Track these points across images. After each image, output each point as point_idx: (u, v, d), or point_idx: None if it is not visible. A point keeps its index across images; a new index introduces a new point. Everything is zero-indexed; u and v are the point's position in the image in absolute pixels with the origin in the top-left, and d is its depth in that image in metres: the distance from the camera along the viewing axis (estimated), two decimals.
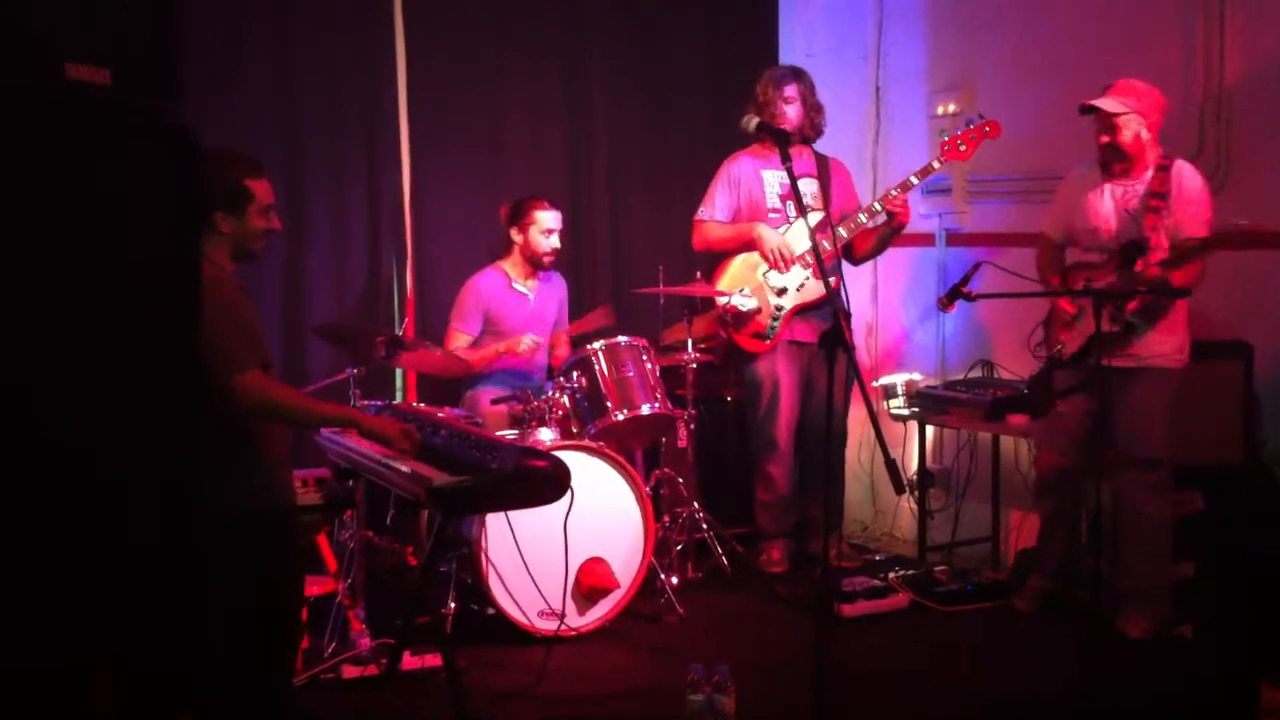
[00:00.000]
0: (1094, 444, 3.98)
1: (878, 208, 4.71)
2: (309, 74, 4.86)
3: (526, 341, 4.71)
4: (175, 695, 1.95)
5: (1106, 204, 4.05)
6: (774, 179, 4.89)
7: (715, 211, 4.96)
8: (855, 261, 5.03)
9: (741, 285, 4.86)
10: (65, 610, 1.79)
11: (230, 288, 2.84)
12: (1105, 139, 3.97)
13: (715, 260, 5.01)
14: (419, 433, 3.16)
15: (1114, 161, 4.01)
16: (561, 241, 4.89)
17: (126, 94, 1.85)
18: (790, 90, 4.82)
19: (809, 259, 4.75)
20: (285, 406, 2.90)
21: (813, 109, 4.89)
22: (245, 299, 2.90)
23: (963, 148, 4.63)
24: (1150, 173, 3.98)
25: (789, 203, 4.84)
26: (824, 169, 4.92)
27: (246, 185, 2.90)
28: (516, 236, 4.85)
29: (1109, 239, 4.02)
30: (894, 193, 4.66)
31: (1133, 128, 3.92)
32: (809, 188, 4.86)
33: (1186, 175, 3.95)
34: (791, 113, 4.81)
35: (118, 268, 1.87)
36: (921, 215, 5.46)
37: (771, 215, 4.89)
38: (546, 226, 4.82)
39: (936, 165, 4.68)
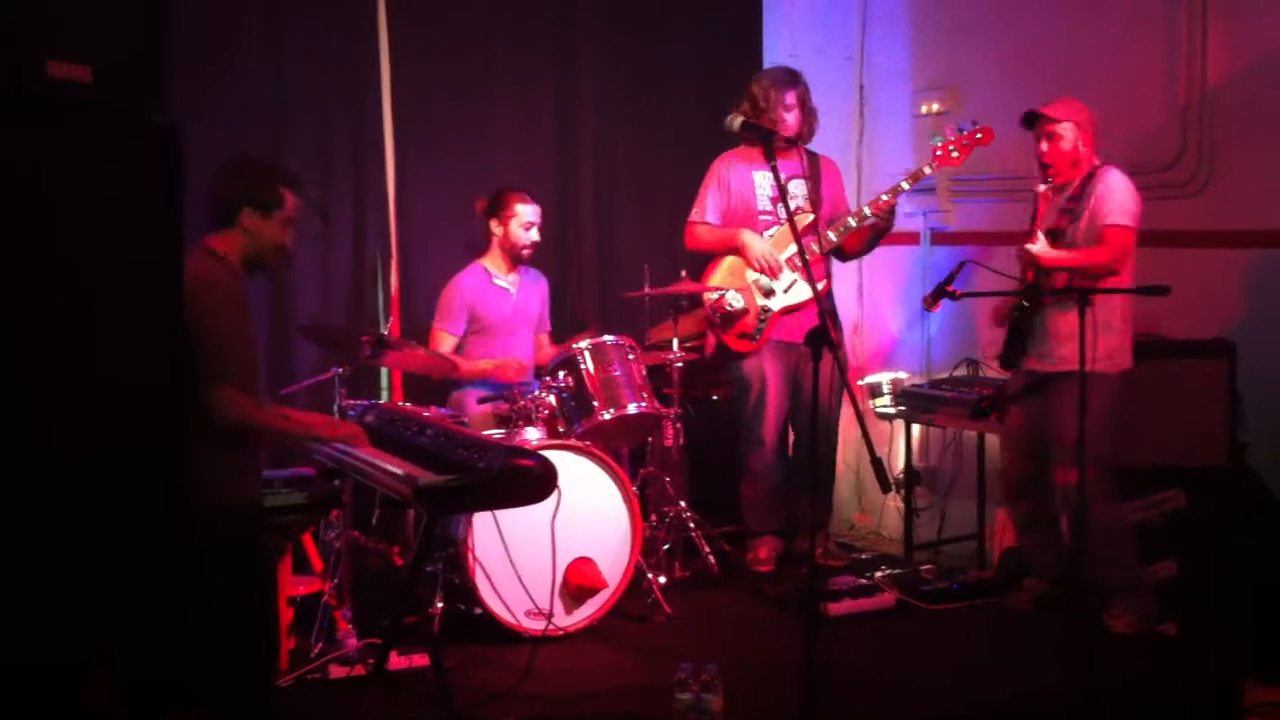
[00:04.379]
0: (1042, 448, 4.16)
1: (867, 213, 4.70)
2: (294, 72, 4.83)
3: (514, 366, 4.72)
4: (169, 696, 1.95)
5: (1046, 212, 4.19)
6: (764, 180, 4.88)
7: (706, 214, 4.94)
8: (845, 259, 5.05)
9: (730, 285, 4.86)
10: (61, 610, 1.78)
11: (232, 298, 2.85)
12: (1043, 146, 4.14)
13: (705, 259, 5.01)
14: (406, 432, 3.18)
15: (1050, 168, 4.15)
16: (542, 236, 4.88)
17: (113, 93, 1.85)
18: (791, 98, 4.81)
19: (797, 261, 4.75)
20: (252, 426, 2.92)
21: (809, 114, 4.89)
22: (244, 310, 2.92)
23: (955, 154, 4.62)
24: (1079, 180, 4.13)
25: (779, 204, 4.83)
26: (814, 169, 4.91)
27: (282, 192, 2.95)
28: (496, 229, 4.83)
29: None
30: (884, 198, 4.67)
31: (1070, 137, 4.10)
32: (799, 189, 4.86)
33: (1107, 176, 4.08)
34: (791, 119, 4.80)
35: (105, 268, 1.86)
36: (906, 214, 5.47)
37: (762, 217, 4.88)
38: (526, 220, 4.80)
39: (927, 171, 4.67)
